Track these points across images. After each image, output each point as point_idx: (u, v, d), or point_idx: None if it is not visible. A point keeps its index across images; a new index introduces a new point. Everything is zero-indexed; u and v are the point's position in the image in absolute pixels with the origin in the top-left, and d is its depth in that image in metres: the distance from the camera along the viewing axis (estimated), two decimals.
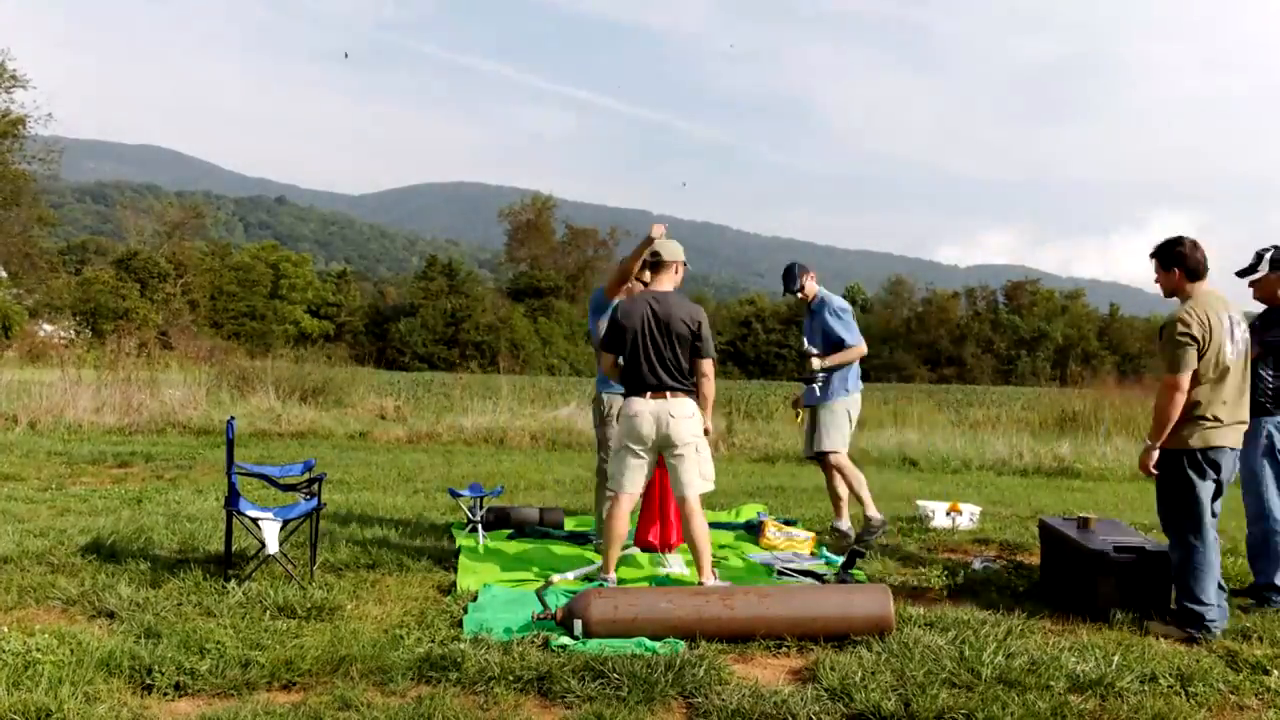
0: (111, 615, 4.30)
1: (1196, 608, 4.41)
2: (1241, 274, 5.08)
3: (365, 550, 5.68)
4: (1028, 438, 13.71)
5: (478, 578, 5.20)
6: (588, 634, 4.05)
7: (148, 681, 3.52)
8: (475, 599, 4.77)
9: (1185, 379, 4.38)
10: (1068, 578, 5.01)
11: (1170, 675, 3.79)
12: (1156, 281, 4.67)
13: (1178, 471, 4.50)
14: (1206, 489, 4.49)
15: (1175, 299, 4.61)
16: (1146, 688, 3.69)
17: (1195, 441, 4.45)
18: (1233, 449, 4.53)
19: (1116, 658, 3.94)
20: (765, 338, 72.32)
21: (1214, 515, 4.58)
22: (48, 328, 37.38)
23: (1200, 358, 4.40)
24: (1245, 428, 4.58)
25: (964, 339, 73.49)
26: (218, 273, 60.08)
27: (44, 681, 3.38)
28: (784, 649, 4.13)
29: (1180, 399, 4.39)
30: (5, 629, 3.98)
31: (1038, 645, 4.14)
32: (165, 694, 3.46)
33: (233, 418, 5.33)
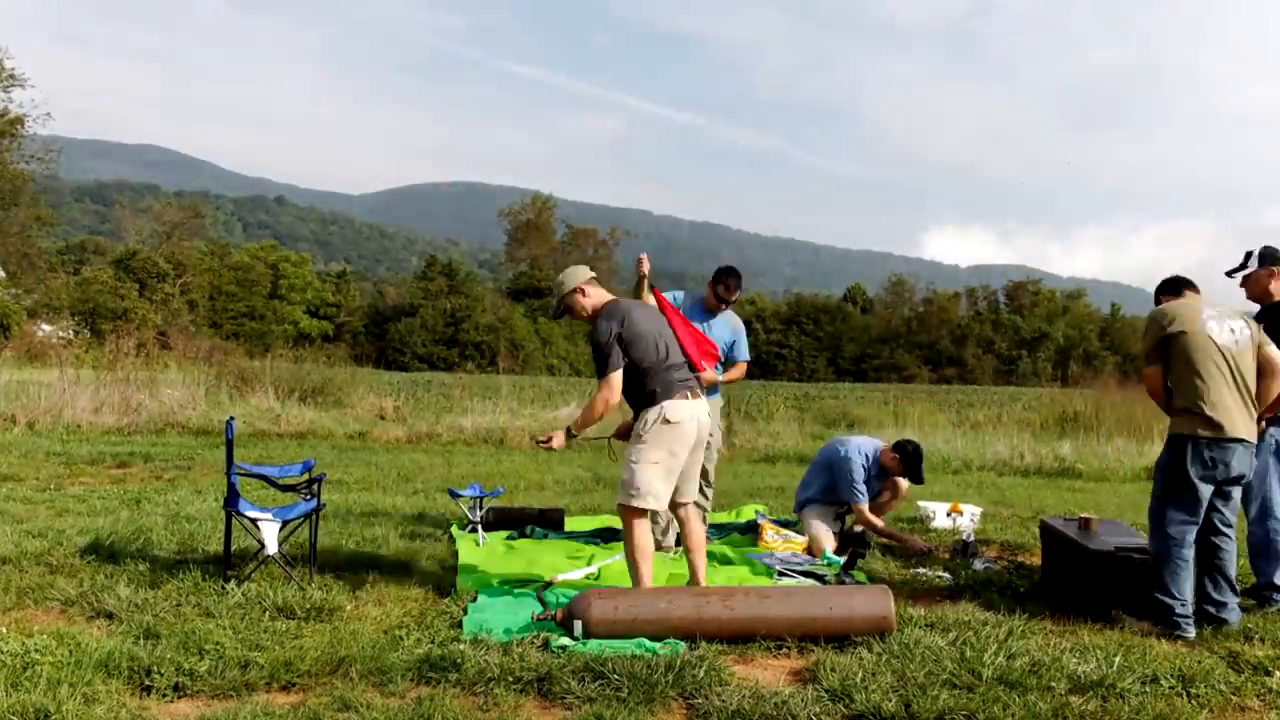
0: (110, 616, 4.29)
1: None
2: (1232, 273, 5.13)
3: (364, 551, 5.67)
4: (1029, 438, 13.72)
5: (477, 578, 5.20)
6: (588, 635, 4.04)
7: (147, 682, 3.51)
8: (475, 599, 4.76)
9: None
10: (1069, 579, 5.00)
11: (1172, 676, 3.78)
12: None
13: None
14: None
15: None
16: (1148, 689, 3.68)
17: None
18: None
19: (1118, 659, 3.93)
20: (765, 338, 72.34)
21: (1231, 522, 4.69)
22: (46, 328, 37.37)
23: None
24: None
25: (965, 339, 73.50)
26: (217, 273, 60.08)
27: (42, 682, 3.37)
28: (784, 650, 4.12)
29: None
30: (4, 630, 3.98)
31: (1039, 646, 4.13)
32: (164, 695, 3.45)
33: (232, 418, 5.32)
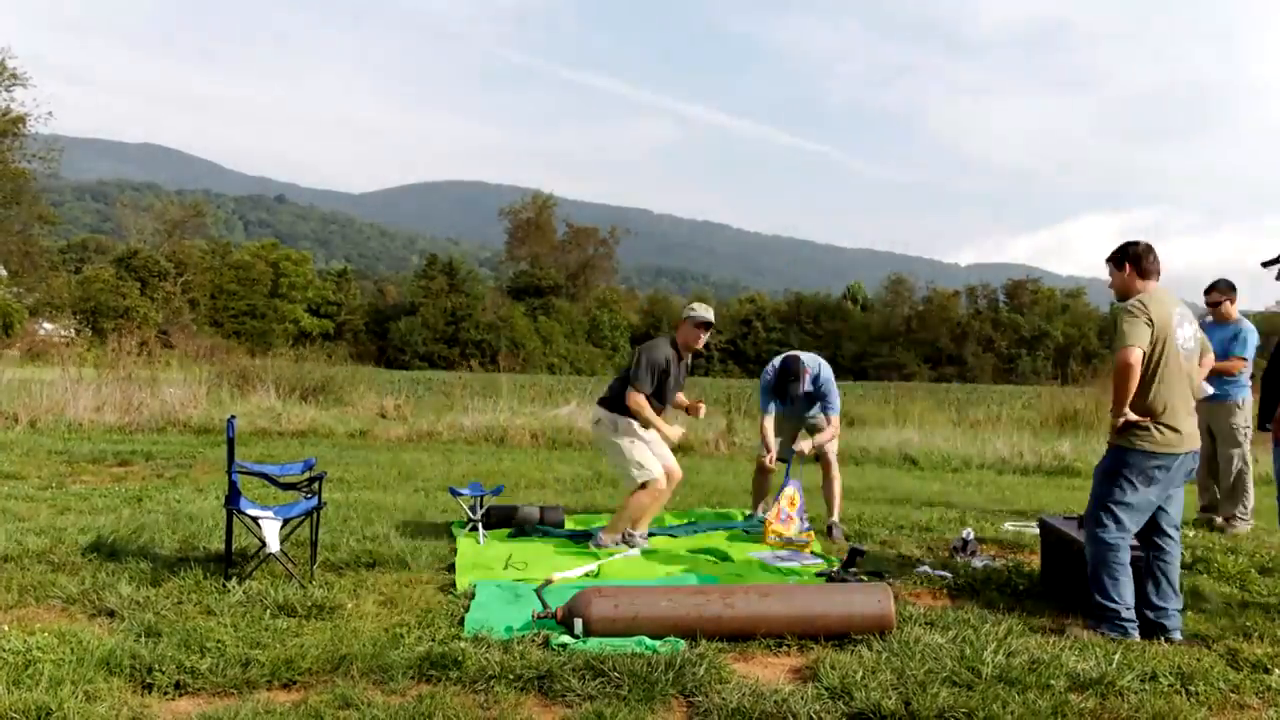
0: (112, 614, 4.30)
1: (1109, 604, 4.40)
2: (1269, 264, 5.01)
3: (365, 549, 5.68)
4: (1028, 436, 13.71)
5: (477, 576, 5.21)
6: (588, 633, 4.05)
7: (148, 680, 3.52)
8: (475, 598, 4.77)
9: (1138, 353, 4.29)
10: (1068, 577, 5.01)
11: (1171, 674, 3.78)
12: (1110, 285, 4.65)
13: (1118, 469, 4.44)
14: (1146, 494, 4.41)
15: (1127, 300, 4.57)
16: (1147, 686, 3.69)
17: (1144, 445, 4.38)
18: (1189, 452, 4.44)
19: (1117, 656, 3.94)
20: (765, 336, 72.36)
21: (1176, 525, 4.56)
22: (48, 326, 37.42)
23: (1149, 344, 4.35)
24: (1196, 431, 4.51)
25: (965, 337, 73.54)
26: (218, 271, 60.12)
27: (44, 680, 3.38)
28: (784, 648, 4.13)
29: (1135, 371, 4.28)
30: (5, 628, 3.99)
31: (1038, 644, 4.14)
32: (165, 693, 3.46)
33: (233, 416, 5.33)
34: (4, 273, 42.21)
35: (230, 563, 5.01)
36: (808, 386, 6.60)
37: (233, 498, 4.93)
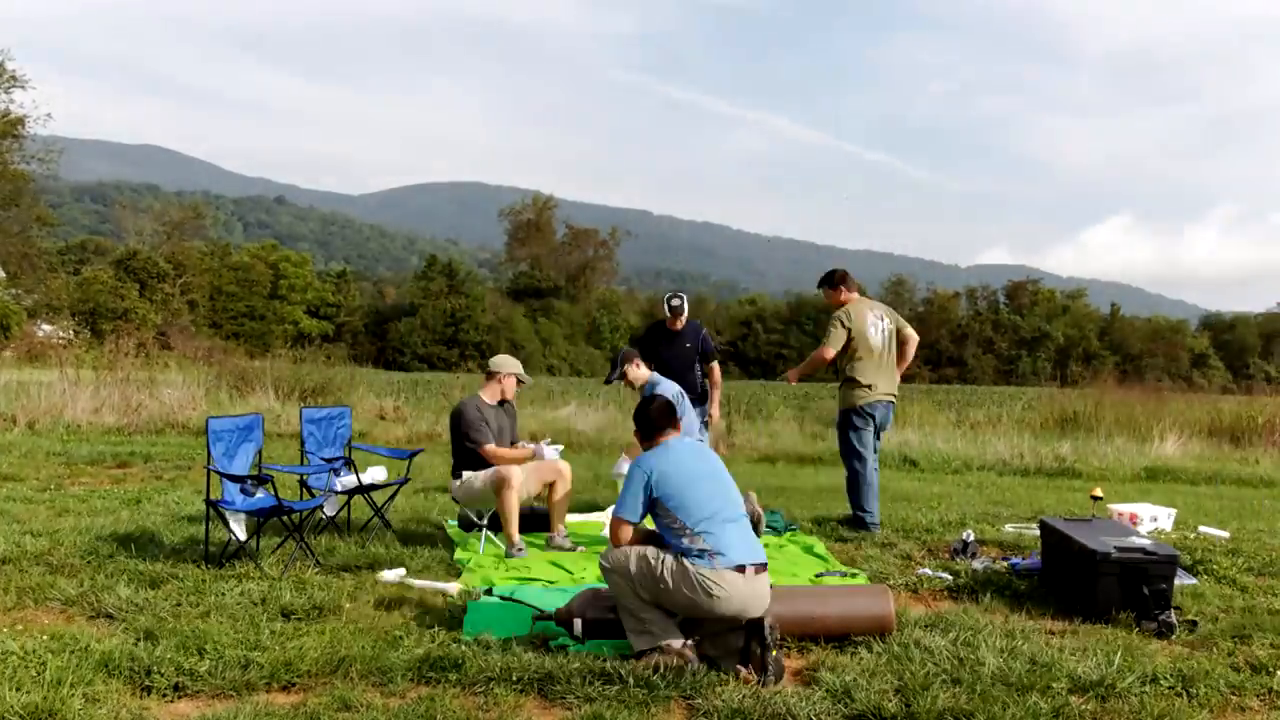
0: (111, 616, 4.30)
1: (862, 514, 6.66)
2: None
3: (365, 550, 5.68)
4: (1029, 438, 13.70)
5: (478, 578, 5.20)
6: (587, 634, 4.04)
7: (147, 683, 3.52)
8: (475, 599, 4.76)
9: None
10: (1068, 578, 5.00)
11: (1172, 676, 3.78)
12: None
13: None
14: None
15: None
16: (1148, 688, 3.68)
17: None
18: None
19: (1117, 658, 3.93)
20: (766, 338, 72.35)
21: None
22: (46, 328, 37.37)
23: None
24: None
25: (965, 339, 73.55)
26: (217, 273, 60.05)
27: (43, 682, 3.37)
28: (784, 649, 4.12)
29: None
30: (5, 630, 3.98)
31: (1039, 646, 4.13)
32: (164, 695, 3.46)
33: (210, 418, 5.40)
34: (2, 274, 42.15)
35: (219, 561, 5.01)
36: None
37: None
